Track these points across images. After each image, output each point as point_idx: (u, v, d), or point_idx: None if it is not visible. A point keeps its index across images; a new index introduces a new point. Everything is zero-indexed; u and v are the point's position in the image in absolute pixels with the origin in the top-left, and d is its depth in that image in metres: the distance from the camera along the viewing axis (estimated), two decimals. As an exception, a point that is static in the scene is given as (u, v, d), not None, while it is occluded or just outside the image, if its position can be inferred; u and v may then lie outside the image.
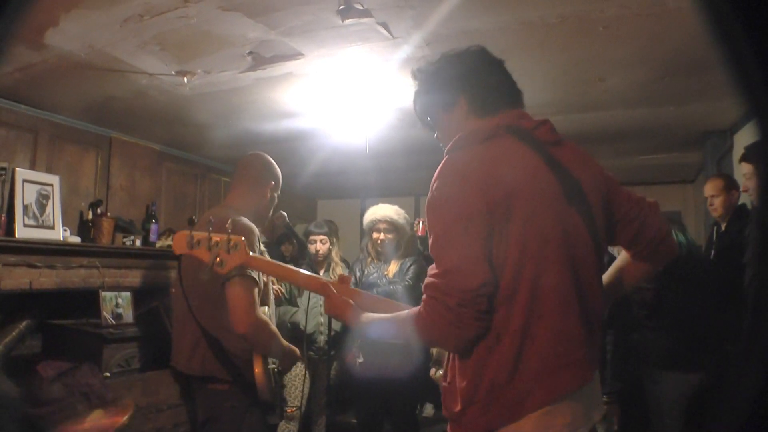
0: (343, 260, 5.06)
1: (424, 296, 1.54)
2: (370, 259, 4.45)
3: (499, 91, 1.78)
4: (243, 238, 2.03)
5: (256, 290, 2.52)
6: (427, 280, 1.53)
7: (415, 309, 1.59)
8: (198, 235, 2.02)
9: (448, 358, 1.69)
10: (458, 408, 1.57)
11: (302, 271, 2.18)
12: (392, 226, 4.28)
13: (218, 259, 2.00)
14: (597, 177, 1.73)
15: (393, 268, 4.32)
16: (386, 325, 1.73)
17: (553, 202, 1.57)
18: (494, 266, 1.50)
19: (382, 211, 4.32)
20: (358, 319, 1.82)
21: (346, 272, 4.74)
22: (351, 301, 1.87)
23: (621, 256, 1.93)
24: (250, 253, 2.04)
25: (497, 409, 1.51)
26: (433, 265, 1.54)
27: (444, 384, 1.68)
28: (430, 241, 1.57)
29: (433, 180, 1.60)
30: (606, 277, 1.87)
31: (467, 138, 1.67)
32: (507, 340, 1.50)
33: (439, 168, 1.61)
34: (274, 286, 3.38)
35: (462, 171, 1.57)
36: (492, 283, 1.48)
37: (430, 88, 1.85)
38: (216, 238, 2.01)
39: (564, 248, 1.54)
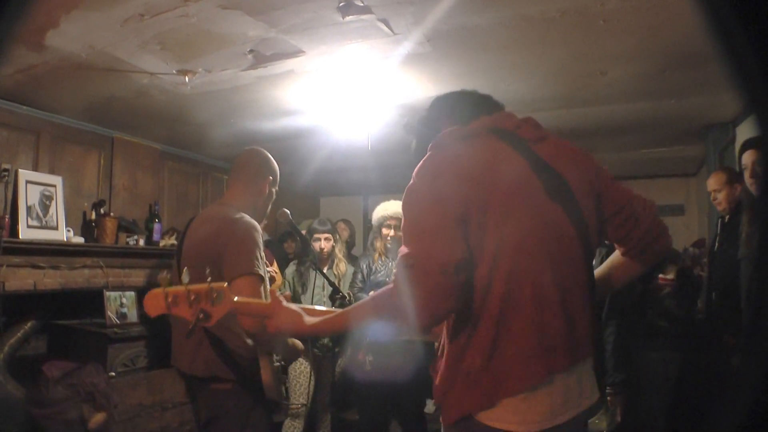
0: (351, 256, 5.05)
1: (397, 269, 1.53)
2: (377, 255, 4.45)
3: (475, 103, 1.86)
4: (225, 284, 1.85)
5: (262, 288, 2.48)
6: (403, 251, 1.53)
7: (384, 289, 1.59)
8: (173, 291, 1.82)
9: (439, 350, 1.73)
10: (441, 393, 1.63)
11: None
12: (401, 222, 4.27)
13: (201, 315, 1.81)
14: (586, 172, 1.74)
15: (401, 266, 4.32)
16: (351, 315, 1.69)
17: (532, 198, 1.59)
18: (472, 256, 1.53)
19: (393, 207, 4.33)
20: (311, 324, 1.75)
21: (349, 269, 4.74)
22: (298, 310, 1.80)
23: (614, 254, 1.94)
24: (235, 298, 1.86)
25: (474, 395, 1.55)
26: (408, 242, 1.55)
27: (433, 372, 1.73)
28: (404, 224, 1.60)
29: (414, 172, 1.64)
30: (597, 272, 1.88)
31: (449, 135, 1.71)
32: (482, 328, 1.54)
33: (420, 162, 1.65)
34: (270, 268, 3.33)
35: (441, 163, 1.62)
36: (470, 263, 1.51)
37: (419, 131, 1.96)
38: (195, 289, 1.81)
39: (544, 242, 1.57)
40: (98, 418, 4.28)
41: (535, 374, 1.52)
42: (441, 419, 1.67)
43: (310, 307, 1.94)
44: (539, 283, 1.54)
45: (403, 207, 1.62)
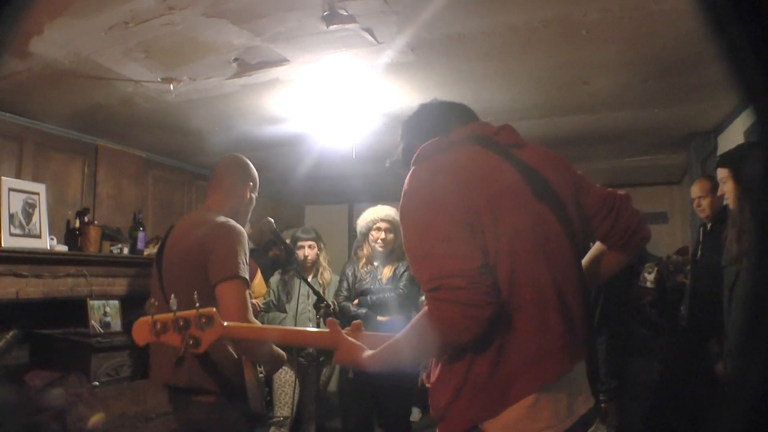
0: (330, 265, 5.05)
1: (425, 295, 1.51)
2: (362, 262, 4.42)
3: (453, 113, 1.88)
4: (214, 309, 1.84)
5: (247, 293, 2.44)
6: (424, 278, 1.50)
7: (420, 314, 1.54)
8: (161, 318, 1.80)
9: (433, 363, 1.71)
10: (444, 404, 1.60)
11: (302, 329, 2.05)
12: (393, 226, 4.26)
13: (191, 341, 1.79)
14: (565, 174, 1.78)
15: (387, 272, 4.30)
16: (396, 348, 1.63)
17: (520, 199, 1.61)
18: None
19: (384, 210, 4.31)
20: (369, 358, 1.69)
21: (334, 278, 4.73)
22: (359, 343, 1.74)
23: (595, 247, 1.97)
24: (225, 323, 1.85)
25: (481, 403, 1.53)
26: (421, 265, 1.52)
27: (428, 385, 1.70)
28: (410, 246, 1.57)
29: (403, 189, 1.62)
30: (583, 264, 1.90)
31: (430, 147, 1.71)
32: (488, 335, 1.51)
33: (408, 177, 1.65)
34: (253, 300, 3.29)
35: (433, 172, 1.62)
36: (490, 267, 1.50)
37: (404, 162, 1.91)
38: (183, 316, 1.79)
39: (536, 242, 1.58)
40: (97, 418, 4.26)
41: (541, 377, 1.52)
42: (439, 431, 1.65)
43: (370, 333, 1.88)
44: (537, 283, 1.55)
45: (404, 225, 1.60)
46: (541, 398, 1.51)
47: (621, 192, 1.86)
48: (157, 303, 1.89)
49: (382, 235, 4.27)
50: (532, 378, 1.51)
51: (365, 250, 4.43)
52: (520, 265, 1.54)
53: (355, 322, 1.91)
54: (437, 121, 1.86)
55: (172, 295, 1.88)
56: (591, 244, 2.00)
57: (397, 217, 4.22)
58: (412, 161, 1.73)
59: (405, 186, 1.63)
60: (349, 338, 1.77)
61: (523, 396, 1.50)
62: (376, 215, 4.31)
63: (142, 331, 1.82)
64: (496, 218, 1.53)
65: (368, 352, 1.69)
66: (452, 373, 1.58)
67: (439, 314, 1.46)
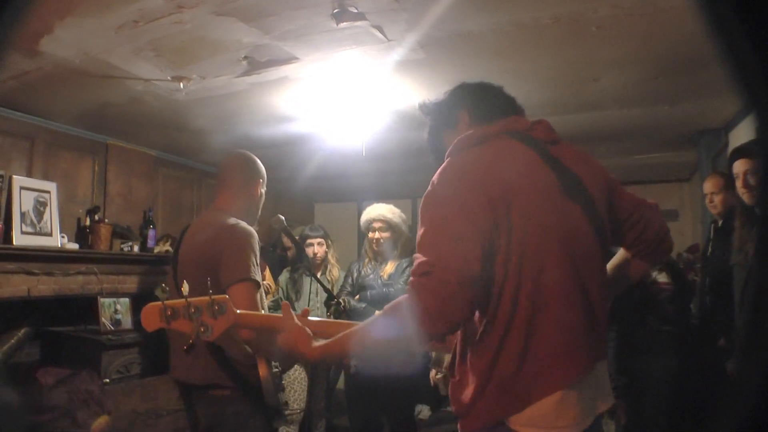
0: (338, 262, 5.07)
1: (412, 278, 1.50)
2: (368, 260, 4.46)
3: (497, 103, 1.88)
4: (227, 297, 1.81)
5: (258, 294, 2.47)
6: (419, 259, 1.50)
7: (396, 300, 1.56)
8: (172, 304, 1.76)
9: (454, 355, 1.72)
10: (468, 401, 1.60)
11: (265, 314, 2.03)
12: (387, 224, 4.29)
13: (202, 328, 1.75)
14: (599, 175, 1.78)
15: (389, 269, 4.32)
16: (361, 335, 1.63)
17: (551, 197, 1.61)
18: (497, 260, 1.53)
19: (376, 210, 4.35)
20: (322, 347, 1.67)
21: (342, 274, 4.74)
22: (308, 331, 1.71)
23: (620, 254, 1.97)
24: (238, 311, 1.82)
25: (507, 400, 1.54)
26: (423, 251, 1.52)
27: (453, 380, 1.70)
28: (421, 233, 1.56)
29: (433, 179, 1.63)
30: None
31: (466, 140, 1.71)
32: (514, 332, 1.53)
33: (440, 169, 1.64)
34: (264, 282, 3.29)
35: (462, 169, 1.61)
36: (483, 280, 1.50)
37: (435, 113, 1.96)
38: (195, 302, 1.75)
39: (564, 241, 1.58)
40: (101, 421, 4.27)
41: (565, 375, 1.53)
42: (461, 426, 1.66)
43: (322, 320, 1.87)
44: (564, 282, 1.56)
45: (422, 213, 1.60)
46: (566, 396, 1.52)
47: (651, 201, 1.88)
48: (168, 289, 1.88)
49: (377, 235, 4.32)
50: (557, 376, 1.52)
51: (368, 248, 4.47)
52: (548, 263, 1.54)
53: (304, 309, 1.88)
54: (487, 106, 1.86)
55: (185, 282, 1.83)
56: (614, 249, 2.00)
57: (390, 215, 4.26)
58: (447, 153, 1.73)
59: (435, 175, 1.63)
60: (299, 324, 1.73)
61: (548, 393, 1.51)
62: (370, 216, 4.36)
63: (151, 316, 1.78)
64: (525, 215, 1.54)
65: (319, 342, 1.67)
66: (477, 371, 1.59)
67: (420, 299, 1.46)
